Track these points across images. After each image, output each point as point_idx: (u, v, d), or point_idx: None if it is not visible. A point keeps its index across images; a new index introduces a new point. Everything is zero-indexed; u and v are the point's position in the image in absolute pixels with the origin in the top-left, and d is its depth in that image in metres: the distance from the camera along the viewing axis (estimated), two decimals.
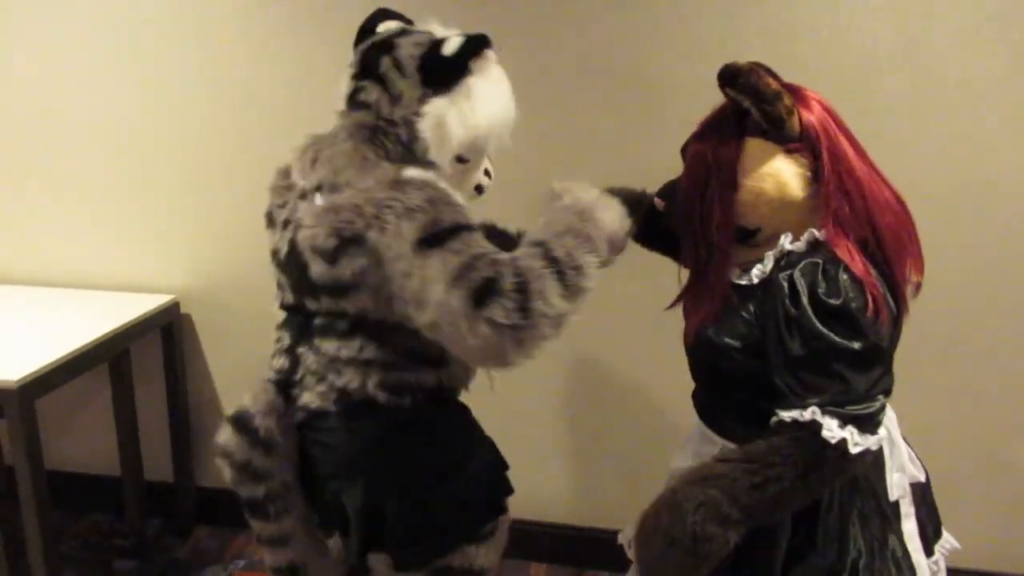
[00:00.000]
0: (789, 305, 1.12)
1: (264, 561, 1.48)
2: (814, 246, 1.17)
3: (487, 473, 1.46)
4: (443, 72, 1.31)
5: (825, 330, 1.09)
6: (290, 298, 1.38)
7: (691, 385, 1.38)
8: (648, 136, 1.98)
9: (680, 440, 1.45)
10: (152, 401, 2.37)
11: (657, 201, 1.38)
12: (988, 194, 1.91)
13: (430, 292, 1.19)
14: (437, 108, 1.30)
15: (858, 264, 1.12)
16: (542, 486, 2.29)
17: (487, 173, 1.43)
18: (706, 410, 1.35)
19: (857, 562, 1.19)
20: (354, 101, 1.34)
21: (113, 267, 2.31)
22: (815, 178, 1.16)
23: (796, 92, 1.19)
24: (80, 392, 2.39)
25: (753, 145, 1.18)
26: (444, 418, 1.42)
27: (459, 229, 1.23)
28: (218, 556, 2.34)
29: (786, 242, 1.19)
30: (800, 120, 1.16)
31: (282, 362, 1.38)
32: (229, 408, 1.39)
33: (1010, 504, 2.09)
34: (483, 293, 1.16)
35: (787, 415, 1.11)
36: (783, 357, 1.13)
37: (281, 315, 1.43)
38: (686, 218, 1.26)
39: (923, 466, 1.34)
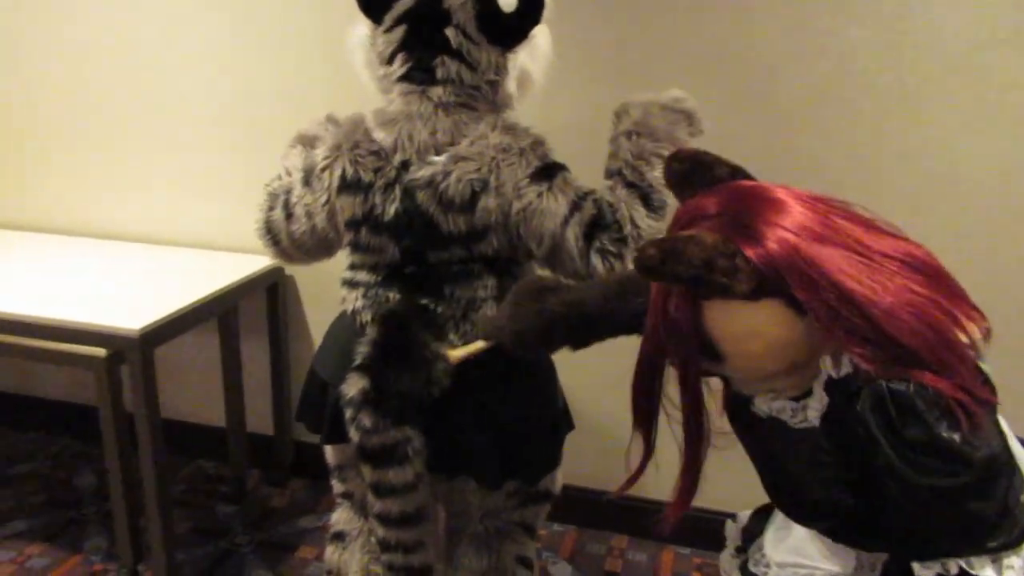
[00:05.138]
0: (871, 454, 0.92)
1: (381, 514, 1.44)
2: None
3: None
4: (511, 30, 1.42)
5: (922, 477, 0.89)
6: (395, 257, 1.44)
7: None
8: (749, 115, 1.96)
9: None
10: (256, 357, 2.48)
11: None
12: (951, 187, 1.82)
13: (546, 227, 1.38)
14: (520, 63, 1.44)
15: (921, 372, 0.90)
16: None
17: None
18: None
19: None
20: (429, 77, 1.41)
21: (227, 229, 2.43)
22: (803, 308, 0.92)
23: (740, 219, 0.92)
24: (192, 346, 2.53)
25: (713, 310, 0.94)
26: None
27: (560, 167, 1.40)
28: (312, 507, 2.46)
29: (830, 369, 0.97)
30: (753, 265, 0.90)
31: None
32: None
33: None
34: (591, 229, 1.37)
35: (927, 573, 0.94)
36: (892, 512, 0.94)
37: (363, 275, 1.49)
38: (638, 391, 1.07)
39: None
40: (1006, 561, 0.92)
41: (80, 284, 2.13)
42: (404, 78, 1.42)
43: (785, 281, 0.90)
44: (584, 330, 1.26)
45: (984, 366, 0.97)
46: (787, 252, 0.90)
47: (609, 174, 1.42)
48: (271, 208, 1.59)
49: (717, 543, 2.25)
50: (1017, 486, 0.95)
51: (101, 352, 1.87)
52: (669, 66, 1.98)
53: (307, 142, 1.61)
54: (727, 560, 1.32)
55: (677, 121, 1.40)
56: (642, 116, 1.39)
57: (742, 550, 1.28)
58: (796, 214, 0.93)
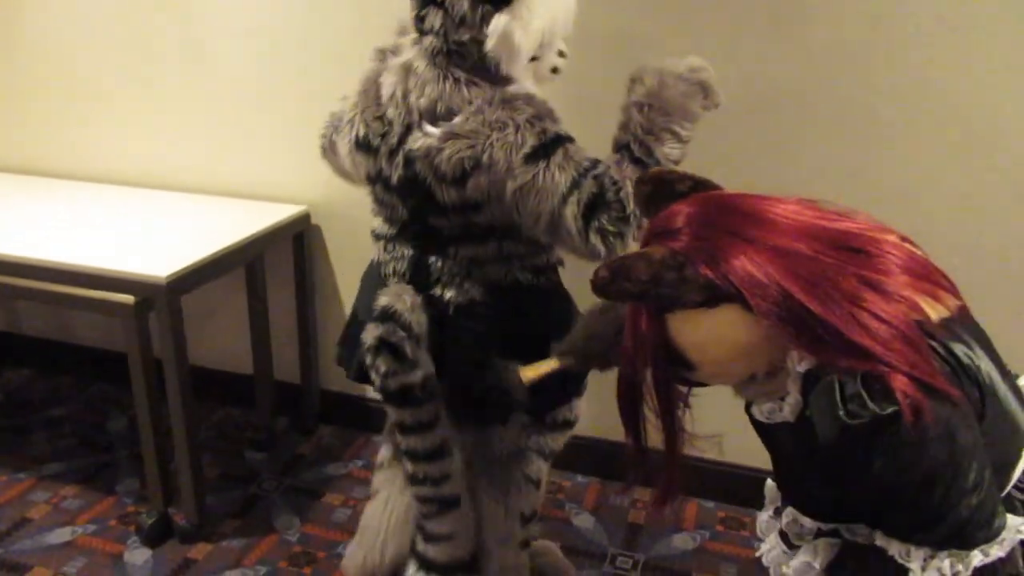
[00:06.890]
0: (822, 449, 0.94)
1: (408, 450, 1.53)
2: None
3: None
4: None
5: (873, 465, 0.90)
6: (404, 216, 1.47)
7: None
8: (785, 59, 1.89)
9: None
10: (283, 306, 2.49)
11: None
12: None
13: (544, 205, 1.34)
14: (500, 25, 1.34)
15: (871, 364, 0.90)
16: None
17: (561, 54, 1.50)
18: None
19: None
20: (421, 26, 1.40)
21: (252, 178, 2.42)
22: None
23: (699, 230, 0.95)
24: (219, 294, 2.55)
25: (675, 321, 0.97)
26: (561, 285, 1.58)
27: (562, 140, 1.36)
28: (339, 455, 2.49)
29: (797, 365, 0.97)
30: (701, 276, 0.93)
31: (402, 269, 1.49)
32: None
33: None
34: (591, 207, 1.32)
35: (915, 565, 0.96)
36: (862, 502, 0.99)
37: (383, 228, 1.54)
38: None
39: None
40: (944, 559, 0.93)
41: (109, 232, 2.14)
42: (414, 24, 1.44)
43: (730, 287, 0.92)
44: None
45: (959, 348, 0.95)
46: (739, 262, 0.92)
47: (617, 147, 1.38)
48: (332, 129, 1.66)
49: (740, 496, 2.27)
50: (979, 481, 0.92)
51: (129, 299, 1.88)
52: (702, 6, 1.91)
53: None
54: (765, 521, 1.30)
55: (692, 93, 1.35)
56: (656, 86, 1.34)
57: (780, 511, 1.27)
58: (753, 222, 0.95)
